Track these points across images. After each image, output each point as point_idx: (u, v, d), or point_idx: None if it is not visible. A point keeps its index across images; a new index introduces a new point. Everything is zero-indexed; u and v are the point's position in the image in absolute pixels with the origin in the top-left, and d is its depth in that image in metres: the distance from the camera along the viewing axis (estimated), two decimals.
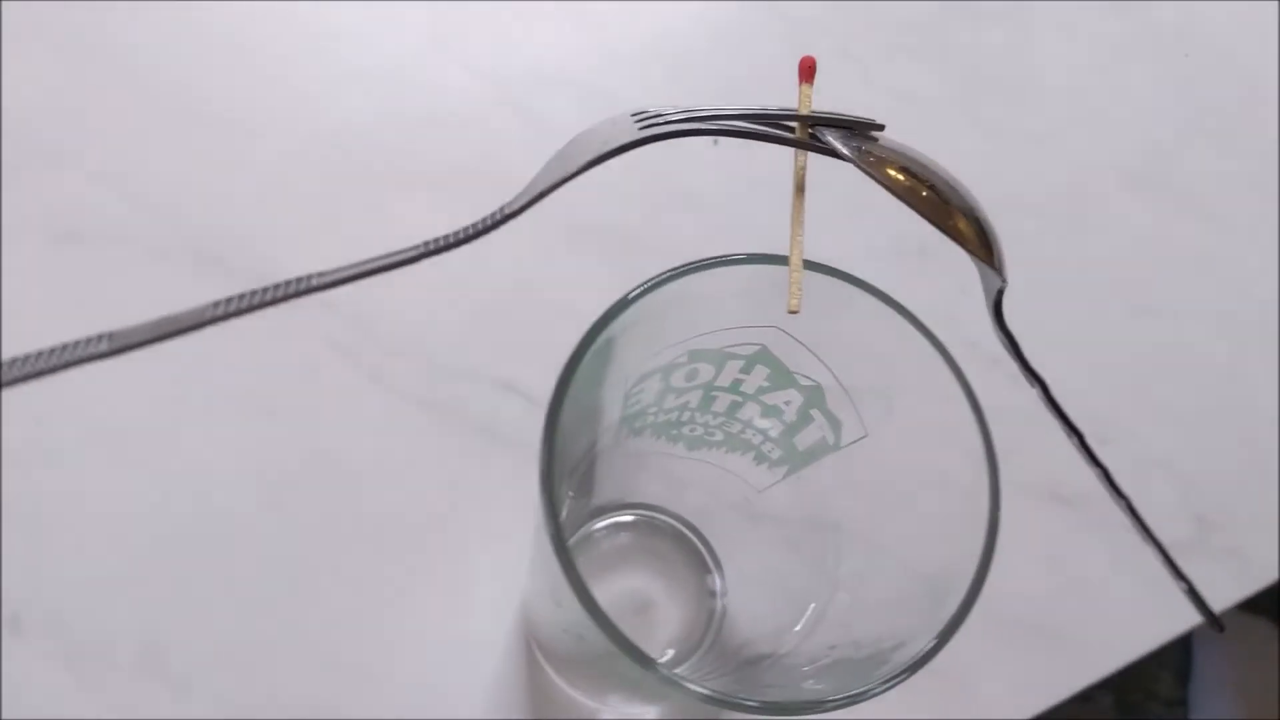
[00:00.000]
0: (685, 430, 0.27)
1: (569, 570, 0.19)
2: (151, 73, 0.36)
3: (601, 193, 0.37)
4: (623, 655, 0.18)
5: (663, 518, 0.32)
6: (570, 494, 0.26)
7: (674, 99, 0.38)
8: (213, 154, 0.35)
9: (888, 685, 0.19)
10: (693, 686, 0.19)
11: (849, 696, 0.19)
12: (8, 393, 0.32)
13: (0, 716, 0.29)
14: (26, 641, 0.29)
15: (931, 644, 0.19)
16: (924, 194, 0.21)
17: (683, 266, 0.21)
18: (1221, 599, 0.35)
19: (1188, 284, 0.39)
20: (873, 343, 0.22)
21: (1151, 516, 0.36)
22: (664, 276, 0.21)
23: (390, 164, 0.36)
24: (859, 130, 0.22)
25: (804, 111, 0.21)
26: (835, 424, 0.25)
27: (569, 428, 0.20)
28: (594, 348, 0.20)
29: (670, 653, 0.31)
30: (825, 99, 0.40)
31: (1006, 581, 0.34)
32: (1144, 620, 0.35)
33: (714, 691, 0.19)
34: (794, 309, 0.20)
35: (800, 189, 0.21)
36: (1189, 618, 0.35)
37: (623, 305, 0.20)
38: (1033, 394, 0.23)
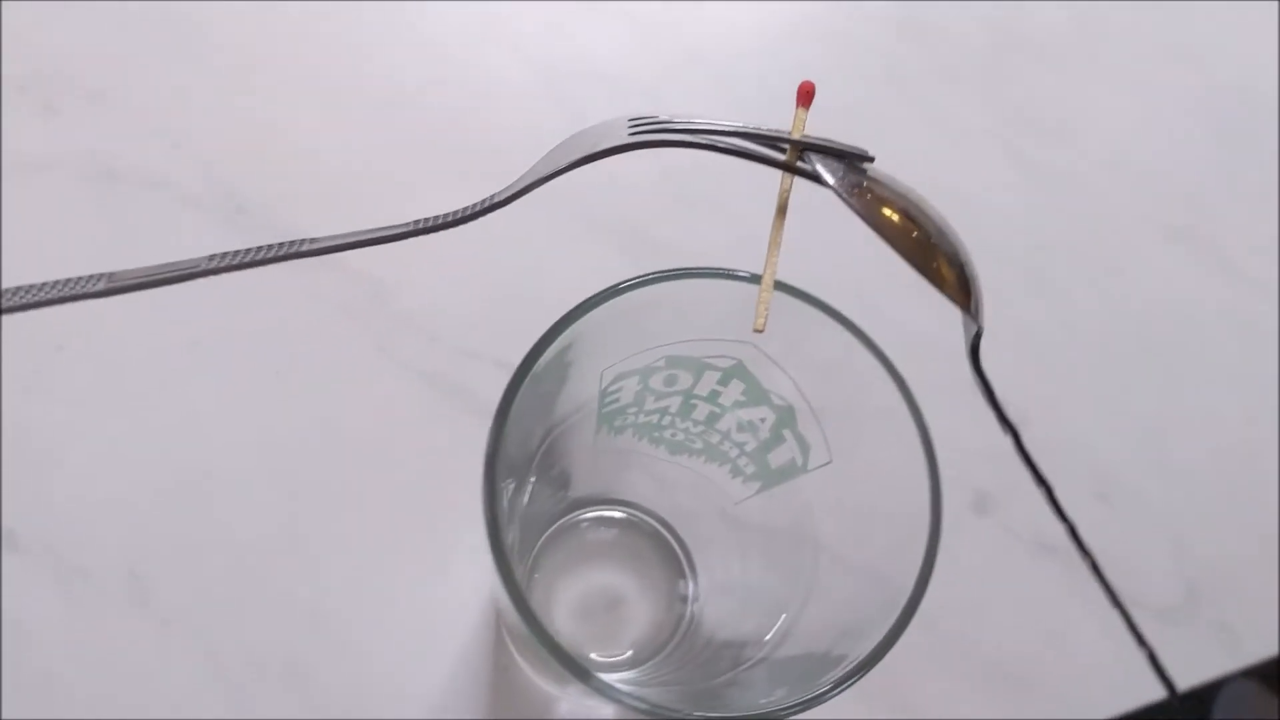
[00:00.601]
0: (667, 434, 0.28)
1: (500, 560, 0.19)
2: (202, 30, 0.37)
3: (631, 192, 0.37)
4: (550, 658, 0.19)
5: (645, 518, 0.33)
6: (531, 481, 0.26)
7: (712, 107, 0.38)
8: (254, 112, 0.36)
9: (813, 700, 0.19)
10: (625, 698, 0.19)
11: (790, 707, 0.19)
12: (31, 319, 0.33)
13: None
14: (20, 558, 0.31)
15: (862, 660, 0.19)
16: (914, 235, 0.21)
17: (656, 274, 0.21)
18: (1208, 670, 0.35)
19: (1212, 343, 0.39)
20: (840, 369, 0.22)
21: (1143, 579, 0.36)
22: (635, 281, 0.21)
23: (427, 137, 0.37)
24: (849, 160, 0.22)
25: (795, 135, 0.21)
26: (804, 446, 0.25)
27: (524, 419, 0.21)
28: (555, 345, 0.20)
29: (630, 653, 0.31)
30: (866, 120, 0.40)
31: (988, 628, 0.34)
32: (1127, 680, 0.34)
33: (650, 704, 0.19)
34: (758, 328, 0.21)
35: (782, 211, 0.21)
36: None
37: (590, 305, 0.21)
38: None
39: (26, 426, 0.32)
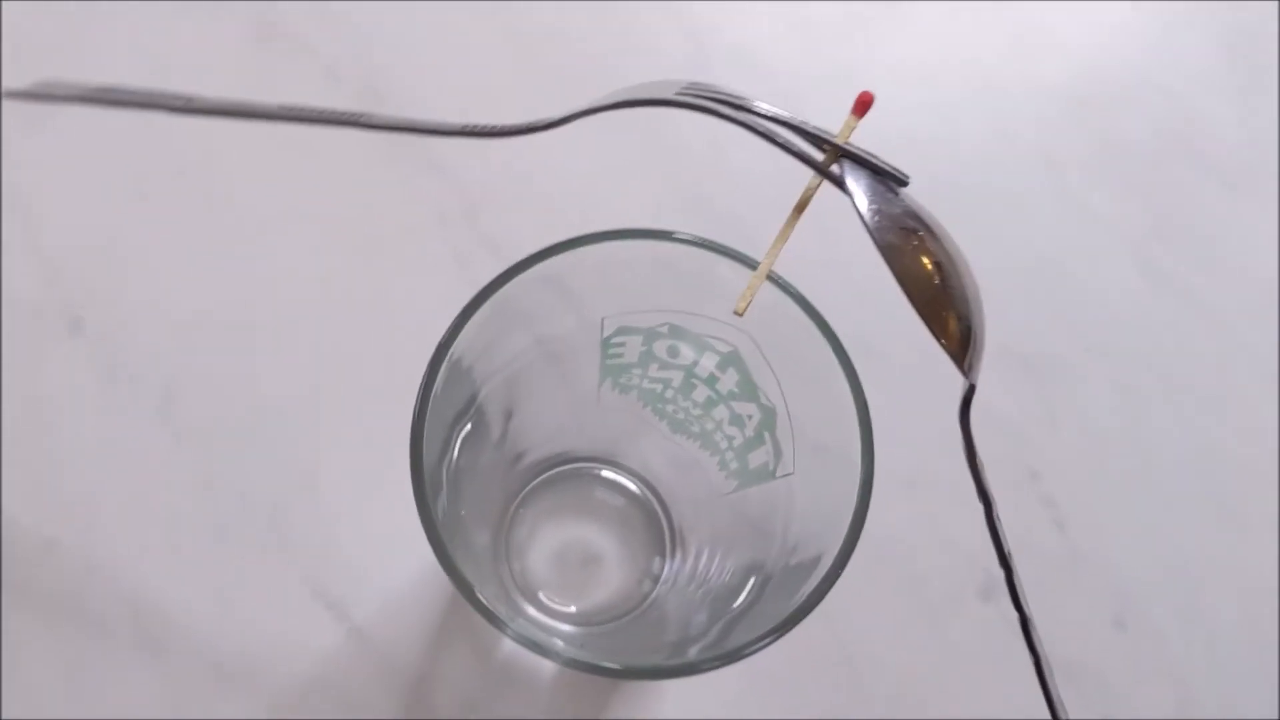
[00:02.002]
0: (669, 409, 0.28)
1: (416, 483, 0.20)
2: None
3: (743, 176, 0.37)
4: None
5: (647, 492, 0.33)
6: (510, 413, 0.26)
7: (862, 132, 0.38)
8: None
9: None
10: (525, 641, 0.20)
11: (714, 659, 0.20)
12: (171, 144, 0.36)
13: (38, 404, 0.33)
14: (80, 343, 0.33)
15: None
16: (935, 282, 0.21)
17: (658, 231, 0.21)
18: None
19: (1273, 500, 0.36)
20: (819, 384, 0.22)
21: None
22: (631, 231, 0.21)
23: (564, 77, 0.38)
24: (885, 179, 0.21)
25: (840, 141, 0.21)
26: (778, 452, 0.25)
27: (496, 328, 0.22)
28: (545, 265, 0.21)
29: (573, 608, 0.31)
30: (1000, 180, 0.38)
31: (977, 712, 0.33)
32: None
33: (575, 654, 0.20)
34: (738, 311, 0.21)
35: (800, 209, 0.21)
36: None
37: (589, 240, 0.21)
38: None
39: (110, 228, 0.35)
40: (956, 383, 0.34)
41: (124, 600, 0.31)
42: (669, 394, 0.27)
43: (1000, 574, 0.34)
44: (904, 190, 0.21)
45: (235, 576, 0.32)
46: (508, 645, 0.32)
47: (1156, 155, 0.39)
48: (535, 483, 0.32)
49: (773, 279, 0.21)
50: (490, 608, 0.20)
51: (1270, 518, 0.35)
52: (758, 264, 0.21)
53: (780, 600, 0.22)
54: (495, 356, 0.24)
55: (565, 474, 0.33)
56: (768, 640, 0.20)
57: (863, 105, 0.21)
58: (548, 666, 0.32)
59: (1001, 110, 0.40)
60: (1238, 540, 0.35)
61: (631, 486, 0.33)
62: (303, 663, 0.32)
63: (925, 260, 0.21)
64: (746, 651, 0.20)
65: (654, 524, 0.33)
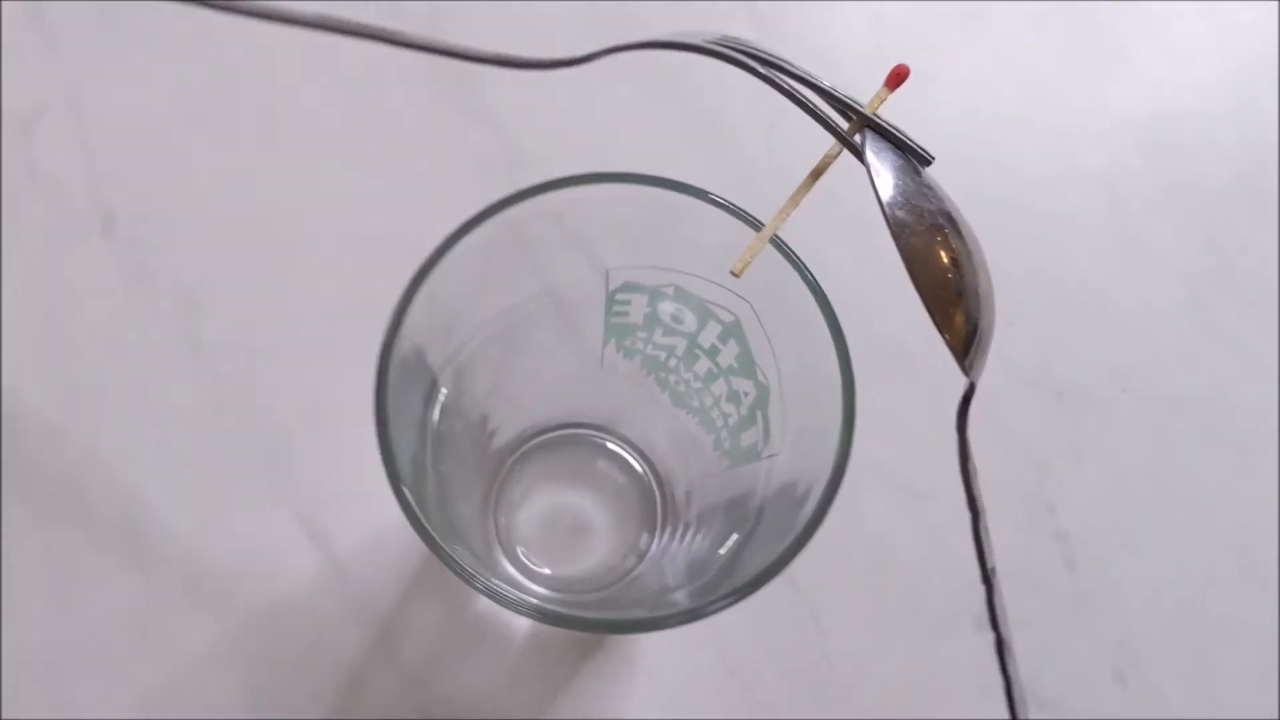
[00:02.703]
0: (672, 380, 0.27)
1: (380, 427, 0.19)
2: None
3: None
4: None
5: (646, 468, 0.32)
6: (491, 355, 0.26)
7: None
8: None
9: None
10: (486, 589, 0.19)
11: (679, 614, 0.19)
12: (198, 28, 0.36)
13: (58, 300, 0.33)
14: (107, 244, 0.34)
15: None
16: (950, 276, 0.20)
17: (666, 180, 0.21)
18: None
19: None
20: (811, 363, 0.21)
21: None
22: (639, 176, 0.21)
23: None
24: (909, 155, 0.21)
25: (868, 111, 0.20)
26: (767, 433, 0.24)
27: (472, 280, 0.21)
28: (543, 200, 0.20)
29: (548, 571, 0.31)
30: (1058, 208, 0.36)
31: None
32: None
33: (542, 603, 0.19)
34: (735, 271, 0.20)
35: (816, 175, 0.20)
36: None
37: (577, 180, 0.20)
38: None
39: (171, 138, 0.35)
40: (982, 398, 0.33)
41: (116, 498, 0.32)
42: (672, 363, 0.27)
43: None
44: (929, 173, 0.21)
45: (226, 492, 0.32)
46: (483, 603, 0.32)
47: (1224, 198, 0.38)
48: (537, 441, 0.32)
49: (778, 245, 0.21)
50: (449, 552, 0.19)
51: None
52: (759, 222, 0.21)
53: (749, 567, 0.21)
54: (494, 298, 0.24)
55: (570, 439, 0.32)
56: (729, 601, 0.19)
57: (896, 78, 0.21)
58: (518, 631, 0.32)
59: (1069, 133, 0.38)
60: (1257, 605, 0.33)
61: (634, 463, 0.32)
62: (277, 588, 0.31)
63: (943, 253, 0.20)
64: (708, 610, 0.19)
65: (649, 502, 0.32)
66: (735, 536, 0.24)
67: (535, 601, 0.20)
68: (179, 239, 0.34)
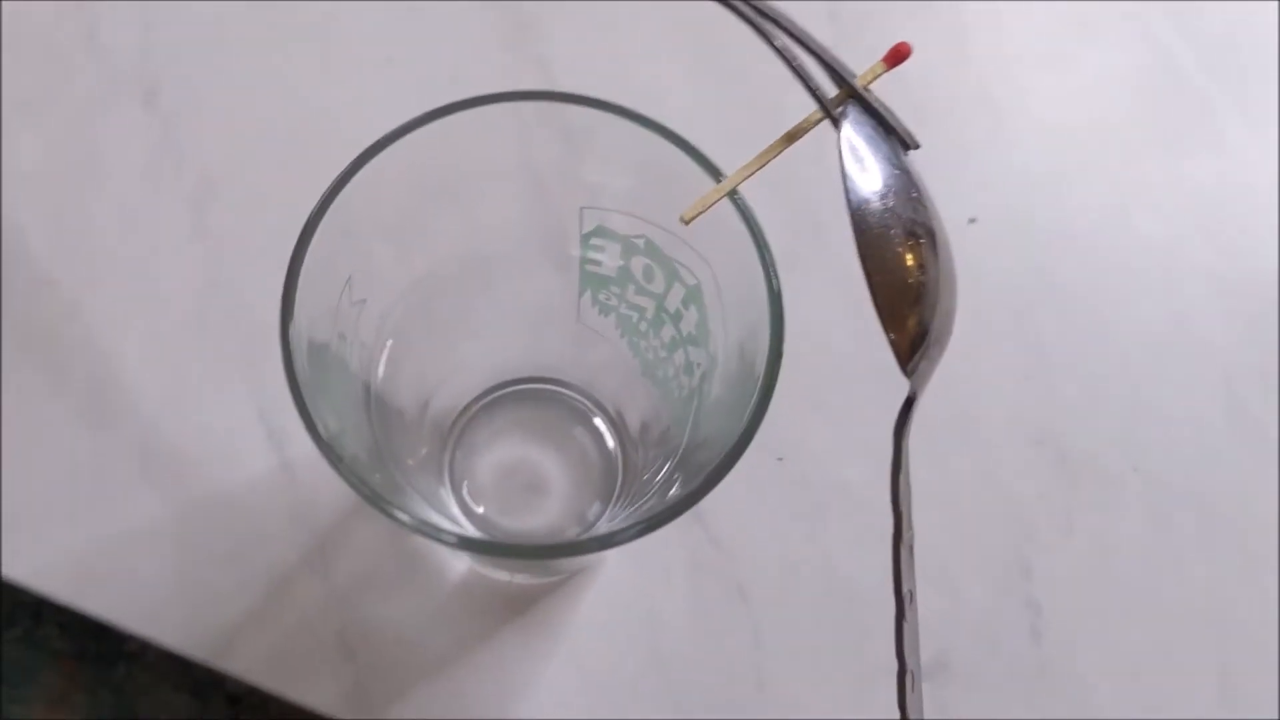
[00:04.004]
0: (642, 345, 0.26)
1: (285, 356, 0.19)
2: None
3: None
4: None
5: (616, 443, 0.31)
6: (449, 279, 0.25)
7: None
8: None
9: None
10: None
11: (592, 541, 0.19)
12: None
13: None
14: (145, 116, 0.34)
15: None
16: (909, 280, 0.19)
17: (643, 116, 0.20)
18: None
19: None
20: (750, 337, 0.20)
21: None
22: (629, 112, 0.20)
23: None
24: (894, 138, 0.20)
25: (859, 83, 0.19)
26: (701, 406, 0.23)
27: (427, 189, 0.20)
28: (511, 105, 0.20)
29: (480, 510, 0.30)
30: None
31: None
32: None
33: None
34: (683, 217, 0.19)
35: (790, 138, 0.19)
36: None
37: (574, 99, 0.20)
38: None
39: (227, 30, 0.35)
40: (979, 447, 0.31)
41: (90, 356, 0.32)
42: (643, 327, 0.26)
43: (951, 656, 0.31)
44: (915, 169, 0.19)
45: (197, 374, 0.32)
46: (422, 539, 0.31)
47: (1275, 290, 0.35)
48: (512, 390, 0.31)
49: (738, 205, 0.20)
50: (340, 456, 0.18)
51: (1271, 706, 0.31)
52: (717, 174, 0.20)
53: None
54: (460, 219, 0.23)
55: (551, 395, 0.32)
56: (638, 531, 0.19)
57: (896, 55, 0.19)
58: (451, 574, 0.31)
59: (1135, 195, 0.36)
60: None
61: (607, 437, 0.31)
62: (227, 478, 0.31)
63: (910, 257, 0.19)
64: (618, 539, 0.19)
65: (610, 477, 0.31)
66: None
67: (458, 530, 0.19)
68: (212, 125, 0.34)
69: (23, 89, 0.34)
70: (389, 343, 0.25)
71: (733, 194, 0.19)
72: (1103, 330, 0.35)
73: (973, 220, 0.35)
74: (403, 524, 0.19)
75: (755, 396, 0.18)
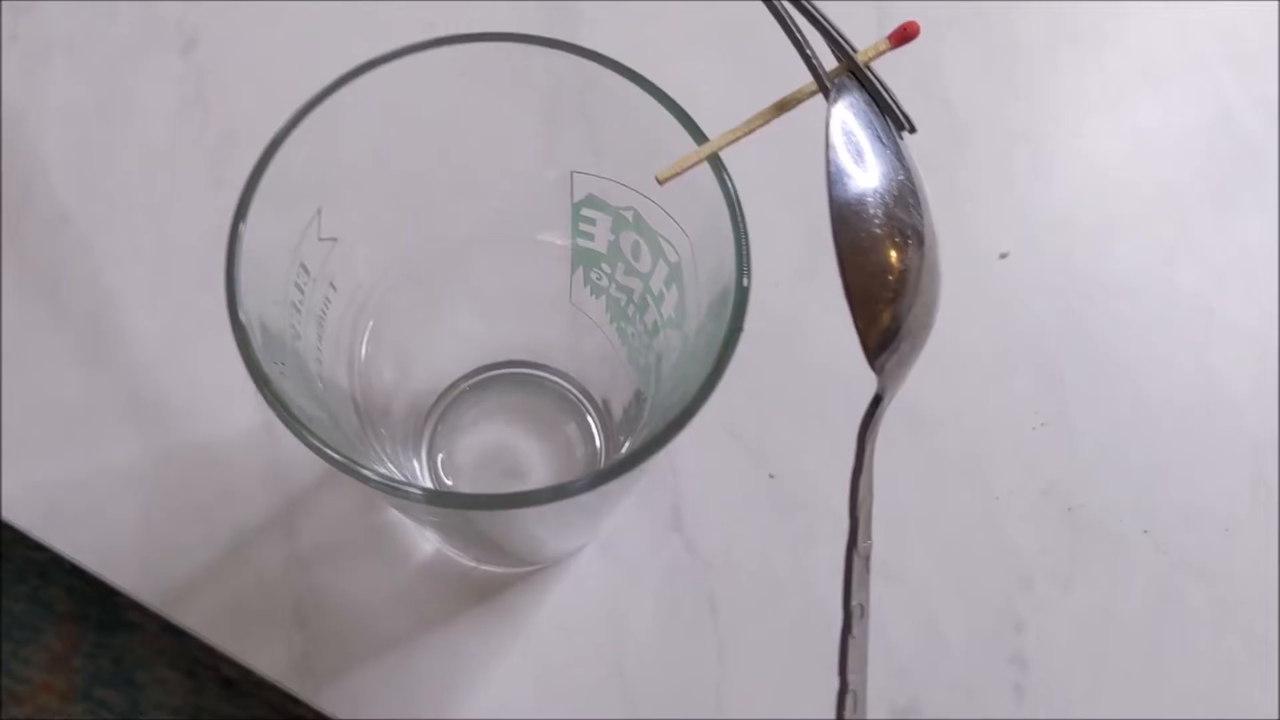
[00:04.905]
0: (629, 331, 0.25)
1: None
2: None
3: None
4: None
5: (600, 437, 0.30)
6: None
7: None
8: None
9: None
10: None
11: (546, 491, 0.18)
12: None
13: None
14: (181, 64, 0.34)
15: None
16: (889, 277, 0.18)
17: (629, 69, 0.19)
18: None
19: None
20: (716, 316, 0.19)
21: None
22: (619, 66, 0.19)
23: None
24: (890, 115, 0.19)
25: (860, 57, 0.18)
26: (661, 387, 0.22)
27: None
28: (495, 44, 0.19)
29: (450, 484, 0.29)
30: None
31: None
32: None
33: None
34: (659, 177, 0.18)
35: (781, 107, 0.18)
36: None
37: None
38: None
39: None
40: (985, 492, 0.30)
41: (92, 294, 0.32)
42: (630, 311, 0.25)
43: (924, 703, 0.29)
44: (905, 147, 0.18)
45: (196, 327, 0.32)
46: (391, 514, 0.30)
47: None
48: (503, 372, 0.31)
49: (716, 170, 0.19)
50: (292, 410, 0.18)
51: None
52: (698, 134, 0.19)
53: None
54: (442, 165, 0.23)
55: (547, 385, 0.31)
56: (586, 486, 0.18)
57: (903, 34, 0.19)
58: (416, 554, 0.30)
59: (1184, 251, 0.35)
60: None
61: (596, 438, 0.30)
62: (209, 430, 0.31)
63: (894, 254, 0.18)
64: (570, 490, 0.18)
65: (591, 461, 0.30)
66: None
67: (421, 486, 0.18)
68: (246, 82, 0.34)
69: (66, 29, 0.35)
70: (372, 302, 0.24)
71: (715, 159, 0.18)
72: (1129, 383, 0.33)
73: (1004, 255, 0.34)
74: (331, 461, 0.18)
75: (711, 363, 0.17)
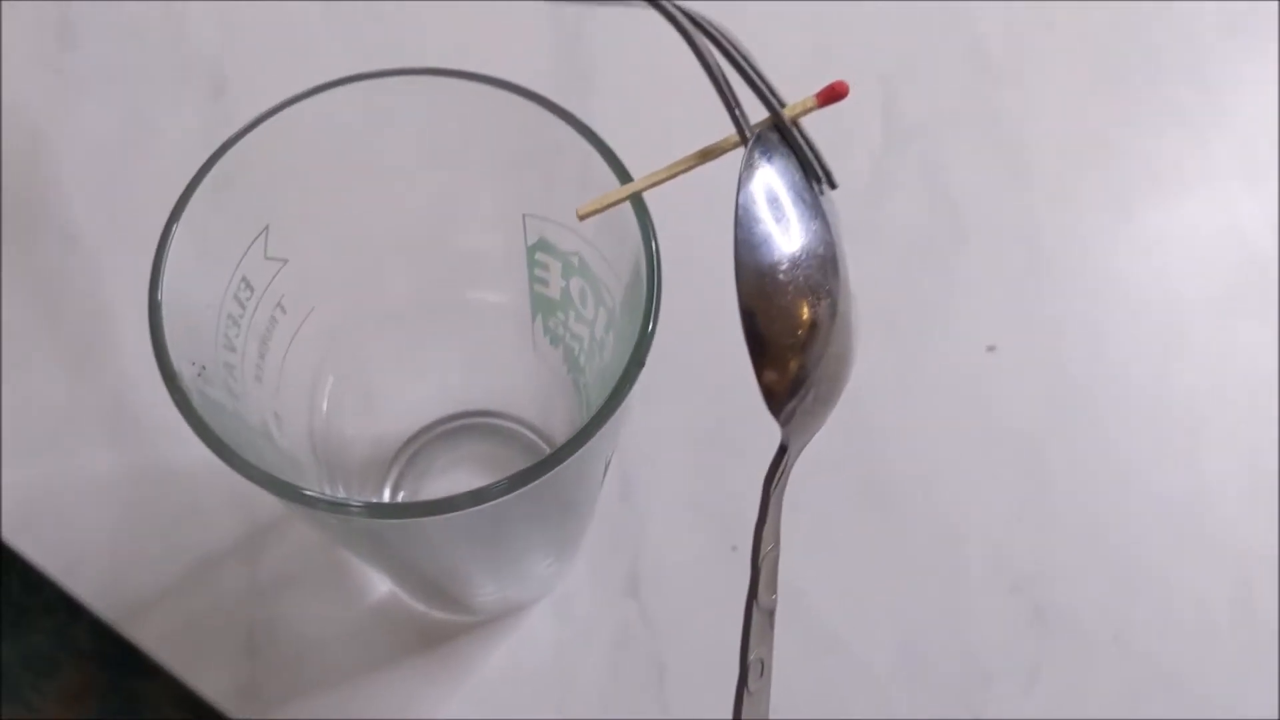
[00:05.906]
0: (582, 382, 0.26)
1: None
2: None
3: None
4: None
5: (560, 480, 0.30)
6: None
7: None
8: None
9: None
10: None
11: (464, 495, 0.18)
12: None
13: None
14: (210, 107, 0.36)
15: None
16: (799, 332, 0.18)
17: (579, 119, 0.20)
18: None
19: None
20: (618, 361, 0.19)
21: None
22: (548, 102, 0.20)
23: None
24: (811, 174, 0.19)
25: (787, 113, 0.19)
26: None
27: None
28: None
29: None
30: None
31: None
32: None
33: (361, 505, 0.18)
34: (580, 211, 0.19)
35: (705, 156, 0.19)
36: None
37: (501, 83, 0.20)
38: None
39: (308, 30, 0.37)
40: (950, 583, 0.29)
41: (88, 308, 0.33)
42: (582, 360, 0.25)
43: None
44: (827, 203, 0.19)
45: None
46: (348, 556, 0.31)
47: None
48: (466, 422, 0.31)
49: (640, 218, 0.19)
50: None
51: None
52: (625, 178, 0.19)
53: None
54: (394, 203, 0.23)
55: (521, 440, 0.31)
56: (506, 490, 0.18)
57: (831, 93, 0.19)
58: (371, 595, 0.30)
59: (1171, 362, 0.34)
60: None
61: (552, 475, 0.30)
62: (184, 451, 0.31)
63: (806, 309, 0.18)
64: (489, 494, 0.18)
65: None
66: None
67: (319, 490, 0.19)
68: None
69: (106, 69, 0.37)
70: (332, 353, 0.25)
71: (637, 200, 0.19)
72: (1113, 486, 0.32)
73: (991, 348, 0.34)
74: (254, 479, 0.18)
75: (609, 393, 0.18)
